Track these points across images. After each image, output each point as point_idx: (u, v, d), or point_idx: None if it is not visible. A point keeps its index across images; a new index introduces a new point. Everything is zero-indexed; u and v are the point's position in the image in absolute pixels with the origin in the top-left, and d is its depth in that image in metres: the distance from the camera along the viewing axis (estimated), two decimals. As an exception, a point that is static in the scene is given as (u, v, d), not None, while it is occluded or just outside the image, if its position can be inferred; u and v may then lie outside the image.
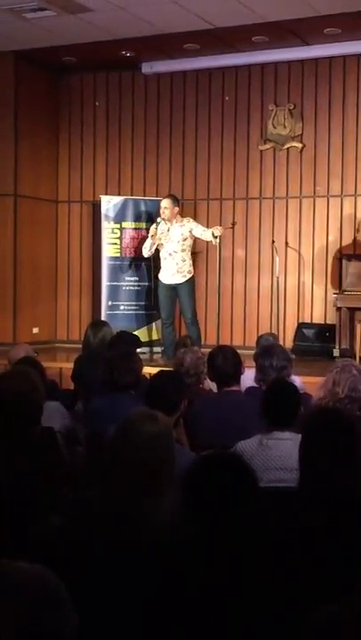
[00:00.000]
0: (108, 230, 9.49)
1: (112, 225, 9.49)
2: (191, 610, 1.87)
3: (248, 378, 4.82)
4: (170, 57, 9.74)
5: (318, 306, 9.52)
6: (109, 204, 9.53)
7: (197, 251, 9.77)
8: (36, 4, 7.94)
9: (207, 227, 8.69)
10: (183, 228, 8.46)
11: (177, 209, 8.55)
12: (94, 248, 10.34)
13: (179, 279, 8.46)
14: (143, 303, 9.44)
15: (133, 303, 9.47)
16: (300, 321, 9.50)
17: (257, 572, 1.93)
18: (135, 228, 9.46)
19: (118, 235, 9.48)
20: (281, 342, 7.12)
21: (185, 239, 8.47)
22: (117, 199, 9.63)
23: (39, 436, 3.04)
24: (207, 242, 8.73)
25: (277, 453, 3.41)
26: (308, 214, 9.62)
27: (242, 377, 4.59)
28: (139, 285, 9.47)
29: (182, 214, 9.08)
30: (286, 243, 9.61)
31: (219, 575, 1.91)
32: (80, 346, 6.60)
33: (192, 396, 4.36)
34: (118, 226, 9.49)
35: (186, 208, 9.76)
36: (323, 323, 9.36)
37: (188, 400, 3.98)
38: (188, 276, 8.51)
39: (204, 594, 1.89)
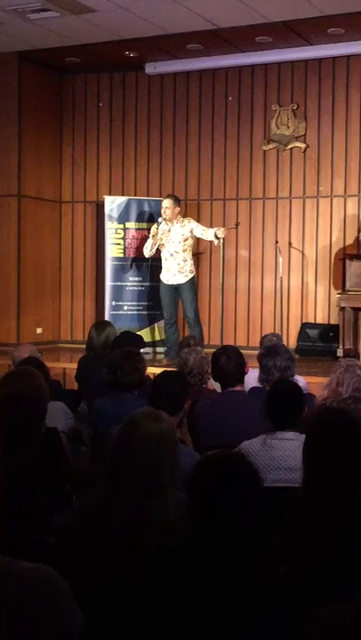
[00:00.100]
0: (111, 230, 9.49)
1: (115, 225, 9.50)
2: (195, 610, 1.88)
3: (252, 378, 4.82)
4: (173, 57, 9.74)
5: (322, 306, 9.52)
6: (113, 204, 9.54)
7: (201, 251, 9.78)
8: (39, 5, 7.95)
9: (210, 227, 8.69)
10: (184, 229, 8.46)
11: (178, 209, 8.55)
12: (98, 248, 10.35)
13: (181, 279, 8.46)
14: (146, 303, 9.45)
15: (137, 303, 9.47)
16: (304, 321, 9.50)
17: (261, 572, 1.94)
18: (139, 229, 9.46)
19: (122, 235, 9.49)
20: (285, 342, 7.11)
21: (186, 239, 8.48)
22: (121, 199, 9.63)
23: (44, 437, 3.04)
24: (210, 242, 8.72)
25: (281, 453, 3.41)
26: (312, 214, 9.61)
27: (245, 377, 4.60)
28: (142, 285, 9.47)
29: (186, 214, 9.09)
30: (290, 243, 9.61)
31: (223, 575, 1.91)
32: (84, 346, 6.61)
33: (196, 396, 4.37)
34: (122, 226, 9.50)
35: (189, 208, 9.77)
36: (326, 323, 9.36)
37: (192, 400, 3.98)
38: (190, 275, 8.51)
39: (208, 594, 1.89)
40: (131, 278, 9.48)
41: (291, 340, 9.10)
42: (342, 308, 8.55)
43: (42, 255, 10.33)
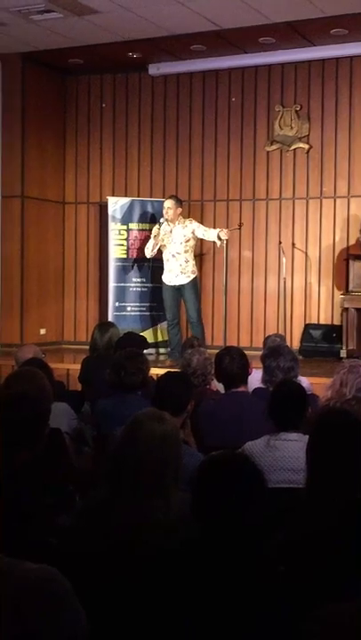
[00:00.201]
0: (114, 231, 9.50)
1: (119, 226, 9.51)
2: (199, 610, 1.88)
3: (255, 379, 4.82)
4: (177, 58, 9.75)
5: (325, 306, 9.52)
6: (116, 205, 9.54)
7: (204, 252, 9.78)
8: (43, 7, 7.96)
9: (214, 228, 8.69)
10: (186, 229, 8.47)
11: (180, 210, 8.55)
12: (101, 249, 10.36)
13: (183, 280, 8.46)
14: (149, 304, 9.45)
15: (140, 304, 9.48)
16: (307, 322, 9.49)
17: (261, 572, 1.94)
18: (142, 230, 9.47)
19: (125, 236, 9.50)
20: (288, 343, 7.11)
21: (188, 240, 8.48)
22: (124, 200, 9.64)
23: (47, 438, 3.05)
24: (213, 243, 8.72)
25: (285, 454, 3.41)
26: (315, 215, 9.61)
27: (249, 378, 4.60)
28: (145, 286, 9.48)
29: (189, 215, 9.10)
30: (293, 244, 9.61)
31: (224, 575, 1.91)
32: (87, 347, 6.61)
33: (199, 396, 4.37)
34: (125, 227, 9.50)
35: (192, 209, 9.77)
36: (330, 323, 9.35)
37: (196, 401, 3.98)
38: (192, 276, 8.51)
39: (209, 594, 1.89)
40: (134, 279, 9.48)
41: (294, 341, 9.09)
42: (345, 309, 8.55)
43: (45, 256, 10.34)
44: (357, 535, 2.23)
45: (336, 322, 9.19)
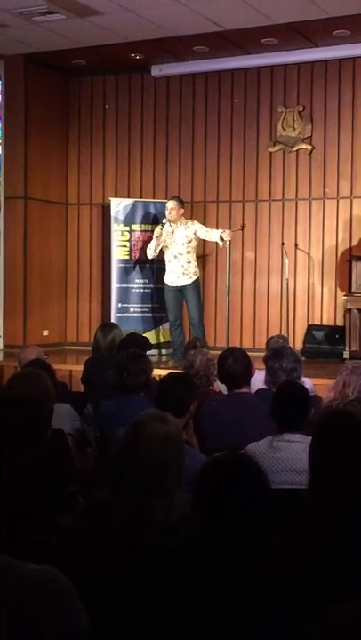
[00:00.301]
0: (117, 233, 9.50)
1: (121, 227, 9.51)
2: (201, 610, 1.88)
3: (258, 380, 4.82)
4: (179, 59, 9.75)
5: (328, 308, 9.51)
6: (119, 206, 9.55)
7: (207, 253, 9.78)
8: (45, 8, 7.97)
9: (216, 229, 8.68)
10: (188, 230, 8.47)
11: (182, 210, 8.55)
12: (104, 250, 10.36)
13: (185, 281, 8.46)
14: (152, 305, 9.45)
15: (143, 305, 9.48)
16: (310, 323, 9.48)
17: (261, 572, 1.93)
18: (144, 231, 9.47)
19: (128, 237, 9.50)
20: (291, 344, 7.11)
21: (190, 241, 8.48)
22: (127, 201, 9.64)
23: (50, 439, 3.05)
24: (215, 244, 8.71)
25: (288, 455, 3.41)
26: (318, 216, 9.61)
27: (252, 379, 4.60)
28: (148, 287, 9.47)
29: (192, 216, 9.10)
30: (296, 245, 9.60)
31: (225, 575, 1.91)
32: (90, 348, 6.62)
33: (202, 397, 4.37)
34: (128, 228, 9.50)
35: (195, 210, 9.77)
36: (332, 324, 9.35)
37: (198, 402, 3.98)
38: (194, 277, 8.51)
39: (209, 594, 1.89)
40: (136, 280, 9.48)
41: (297, 342, 9.09)
42: (348, 310, 8.54)
43: (48, 257, 10.34)
44: (358, 536, 2.23)
45: (339, 323, 9.19)
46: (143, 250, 9.21)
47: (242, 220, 9.69)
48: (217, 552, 1.95)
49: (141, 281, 9.48)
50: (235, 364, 4.46)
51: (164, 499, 2.31)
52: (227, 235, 8.38)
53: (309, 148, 9.62)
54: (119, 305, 9.44)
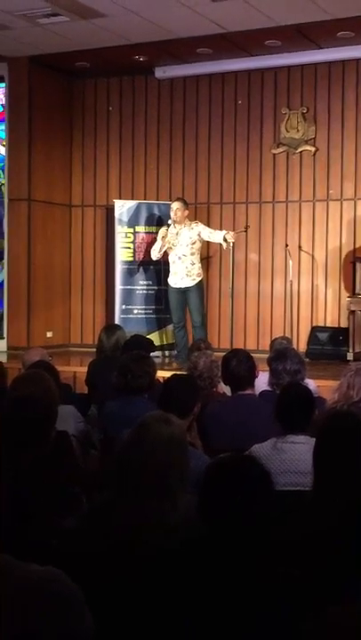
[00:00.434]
0: (121, 234, 9.51)
1: (125, 229, 9.52)
2: (202, 610, 1.88)
3: (262, 381, 4.82)
4: (183, 61, 9.76)
5: (332, 309, 9.51)
6: (123, 208, 9.55)
7: (211, 254, 9.78)
8: (49, 10, 7.98)
9: (220, 231, 8.68)
10: (192, 232, 8.48)
11: (187, 212, 8.57)
12: (108, 252, 10.37)
13: (188, 282, 8.46)
14: (156, 307, 9.45)
15: (146, 307, 9.48)
16: (314, 324, 9.48)
17: (265, 572, 1.94)
18: (148, 232, 9.47)
19: (132, 239, 9.50)
20: (295, 346, 7.11)
21: (194, 242, 8.48)
22: (131, 203, 9.65)
23: (54, 440, 3.05)
24: (219, 245, 8.72)
25: (292, 457, 3.41)
26: (322, 218, 9.60)
27: (256, 381, 4.59)
28: (152, 289, 9.48)
29: (195, 218, 9.10)
30: (299, 246, 9.60)
31: (229, 576, 1.91)
32: (94, 350, 6.61)
33: (205, 399, 4.36)
34: (131, 230, 9.51)
35: (199, 212, 9.77)
36: (336, 326, 9.34)
37: (202, 403, 3.98)
38: (198, 279, 8.51)
39: (210, 594, 1.89)
40: (140, 282, 9.49)
41: (301, 344, 9.08)
42: (352, 312, 8.53)
43: (52, 259, 10.35)
44: (358, 536, 2.23)
45: (343, 324, 9.17)
46: (147, 251, 9.21)
47: (246, 221, 9.68)
48: (220, 553, 1.95)
49: (145, 282, 9.49)
50: (239, 365, 4.46)
51: (167, 500, 2.31)
52: (230, 236, 8.38)
53: (313, 149, 9.62)
54: (123, 306, 9.44)
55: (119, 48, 9.16)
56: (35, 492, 2.65)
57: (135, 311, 9.46)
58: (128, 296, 9.46)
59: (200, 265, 8.61)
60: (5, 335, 10.14)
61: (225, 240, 8.37)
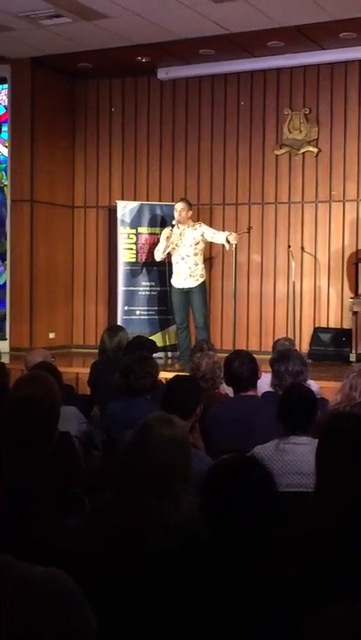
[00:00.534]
0: (123, 235, 9.51)
1: (128, 230, 9.52)
2: (202, 610, 1.88)
3: (264, 383, 4.82)
4: (185, 62, 9.76)
5: (334, 310, 9.50)
6: (125, 209, 9.56)
7: (213, 256, 9.78)
8: (52, 11, 7.99)
9: (223, 232, 8.69)
10: (195, 232, 8.48)
11: (190, 212, 8.58)
12: (110, 253, 10.37)
13: (191, 283, 8.47)
14: (158, 308, 9.45)
15: (149, 308, 9.48)
16: (317, 325, 9.47)
17: (265, 572, 1.93)
18: (151, 233, 9.47)
19: (134, 240, 9.51)
20: (297, 347, 7.10)
21: (197, 243, 8.49)
22: (133, 204, 9.65)
23: (56, 441, 3.05)
24: (222, 246, 8.73)
25: (294, 458, 3.41)
26: (324, 219, 9.60)
27: (258, 382, 4.59)
28: (154, 290, 9.48)
29: (198, 219, 9.11)
30: (302, 247, 9.60)
31: (230, 576, 1.91)
32: (96, 351, 6.61)
33: (208, 400, 4.37)
34: (134, 231, 9.51)
35: (201, 213, 9.78)
36: (339, 327, 9.33)
37: (204, 405, 3.98)
38: (201, 279, 8.52)
39: (210, 594, 1.89)
40: (143, 283, 9.49)
41: (303, 345, 9.07)
42: (355, 313, 8.53)
43: (54, 260, 10.36)
44: (359, 536, 2.23)
45: (346, 326, 9.17)
46: (150, 252, 9.22)
47: (248, 222, 9.68)
48: (222, 553, 1.95)
49: (148, 284, 9.49)
50: (241, 366, 4.46)
51: (168, 500, 2.31)
52: (233, 237, 8.39)
53: (316, 150, 9.62)
54: (125, 308, 9.44)
55: (122, 49, 9.17)
56: (36, 492, 2.65)
57: (138, 312, 9.47)
58: (130, 297, 9.47)
59: (203, 266, 8.61)
60: (8, 336, 10.15)
61: (227, 241, 8.38)
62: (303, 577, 1.94)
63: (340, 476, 2.49)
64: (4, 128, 10.48)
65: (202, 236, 8.49)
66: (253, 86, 9.87)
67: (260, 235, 9.80)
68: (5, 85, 10.35)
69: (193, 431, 3.71)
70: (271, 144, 9.83)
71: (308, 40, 8.85)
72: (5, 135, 10.43)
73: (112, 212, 10.09)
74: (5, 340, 10.07)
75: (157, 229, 9.34)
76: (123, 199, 10.02)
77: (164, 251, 8.56)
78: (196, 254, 8.48)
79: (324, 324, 9.48)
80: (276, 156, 9.81)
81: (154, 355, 5.62)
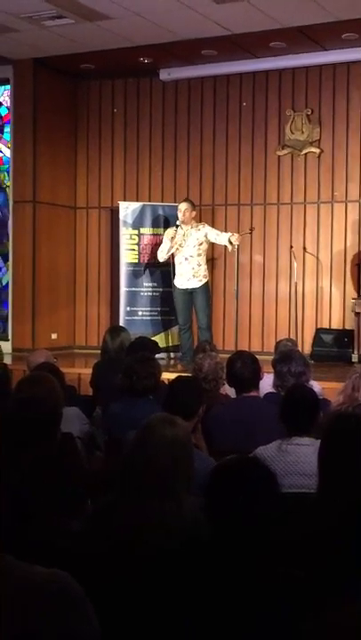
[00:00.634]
0: (126, 236, 9.51)
1: (130, 231, 9.52)
2: (202, 610, 1.88)
3: (266, 383, 4.82)
4: (187, 63, 9.77)
5: (337, 311, 9.50)
6: (127, 209, 9.56)
7: (215, 256, 9.78)
8: (54, 12, 7.99)
9: (225, 232, 8.69)
10: (199, 233, 8.48)
11: (194, 213, 8.59)
12: (112, 254, 10.37)
13: (195, 283, 8.47)
14: (161, 309, 9.45)
15: (151, 309, 9.48)
16: (319, 326, 9.47)
17: (265, 572, 1.94)
18: (153, 234, 9.47)
19: (136, 240, 9.50)
20: (299, 348, 7.09)
21: (201, 244, 8.49)
22: (135, 205, 9.65)
23: (59, 442, 3.06)
24: (225, 247, 8.73)
25: (296, 459, 3.41)
26: (327, 219, 9.59)
27: (260, 382, 4.59)
28: (156, 291, 9.48)
29: (200, 220, 9.11)
30: (304, 248, 9.59)
31: (231, 576, 1.91)
32: (98, 351, 6.62)
33: (210, 401, 4.37)
34: (136, 232, 9.51)
35: (204, 213, 9.77)
36: (341, 328, 9.33)
37: (207, 405, 3.98)
38: (204, 280, 8.52)
39: (215, 595, 1.89)
40: (145, 284, 9.49)
41: (305, 346, 9.07)
42: (357, 314, 8.52)
43: (56, 261, 10.36)
44: (359, 536, 2.23)
45: (348, 326, 9.17)
46: (152, 253, 9.22)
47: (250, 223, 9.68)
48: (223, 553, 1.95)
49: (150, 284, 9.48)
50: (244, 367, 4.46)
51: (169, 500, 2.31)
52: (235, 238, 8.39)
53: (318, 151, 9.62)
54: (128, 308, 9.44)
55: (124, 50, 9.18)
56: (38, 493, 2.65)
57: (140, 313, 9.47)
58: (133, 298, 9.46)
59: (206, 266, 8.61)
60: (10, 337, 10.16)
61: (230, 242, 8.37)
62: (304, 577, 1.95)
63: (343, 476, 2.49)
64: (7, 129, 10.49)
65: (205, 236, 8.49)
66: (256, 87, 9.87)
67: (262, 235, 9.80)
68: (8, 86, 10.36)
69: (195, 432, 3.71)
70: (273, 145, 9.83)
71: (310, 41, 8.84)
72: (8, 136, 10.45)
73: (114, 212, 10.09)
74: (8, 340, 10.07)
75: (160, 230, 9.34)
76: (125, 200, 10.02)
77: (168, 251, 8.55)
78: (199, 255, 8.48)
79: (326, 325, 9.47)
80: (279, 156, 9.81)
81: (156, 355, 5.62)
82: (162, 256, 8.65)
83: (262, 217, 9.85)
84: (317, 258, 9.58)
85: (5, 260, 10.48)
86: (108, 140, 10.60)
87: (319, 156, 9.63)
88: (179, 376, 4.14)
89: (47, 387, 3.11)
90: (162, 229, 9.27)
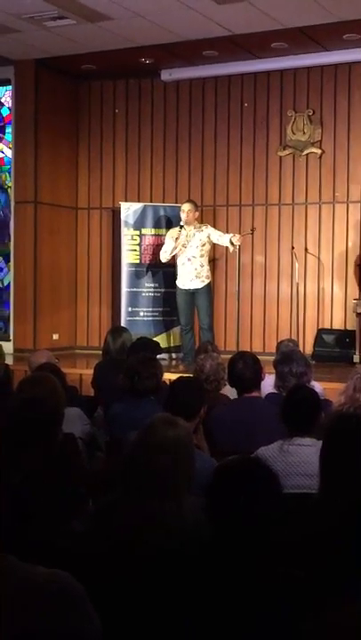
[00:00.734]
0: (127, 237, 9.51)
1: (131, 231, 9.52)
2: (202, 610, 1.88)
3: (268, 384, 4.82)
4: (189, 64, 9.77)
5: (338, 312, 9.49)
6: (129, 210, 9.56)
7: (217, 257, 9.78)
8: (56, 13, 8.00)
9: (226, 233, 8.69)
10: (202, 234, 8.48)
11: (197, 213, 8.59)
12: (114, 254, 10.38)
13: (197, 284, 8.47)
14: (162, 309, 9.44)
15: (153, 309, 9.47)
16: (320, 327, 9.47)
17: (271, 573, 1.94)
18: (155, 235, 9.47)
19: (138, 241, 9.50)
20: (301, 348, 7.10)
21: (203, 244, 8.49)
22: (137, 205, 9.65)
23: (60, 442, 3.06)
24: (226, 248, 8.73)
25: (298, 459, 3.41)
26: (328, 220, 9.59)
27: (262, 383, 4.59)
28: (158, 291, 9.48)
29: (202, 220, 9.10)
30: (306, 249, 9.59)
31: (231, 576, 1.91)
32: (100, 352, 6.62)
33: (212, 401, 4.37)
34: (138, 232, 9.51)
35: (205, 214, 9.77)
36: (343, 329, 9.33)
37: (208, 406, 3.98)
38: (207, 281, 8.52)
39: (215, 595, 1.89)
40: (147, 284, 9.48)
41: (307, 346, 9.07)
42: (359, 314, 8.51)
43: (58, 261, 10.36)
44: (359, 537, 2.23)
45: (349, 327, 9.16)
46: (154, 254, 9.22)
47: (252, 223, 9.68)
48: (223, 553, 1.95)
49: (152, 285, 9.48)
50: (245, 368, 4.46)
51: (169, 501, 2.31)
52: (237, 239, 8.39)
53: (319, 151, 9.62)
54: (129, 309, 9.44)
55: (125, 51, 9.18)
56: (40, 493, 2.66)
57: (141, 313, 9.46)
58: (134, 298, 9.46)
59: (209, 267, 8.61)
60: (12, 337, 10.16)
61: (231, 243, 8.37)
62: (304, 577, 1.95)
63: (344, 477, 2.49)
64: (8, 129, 10.50)
65: (208, 237, 8.49)
66: (257, 88, 9.87)
67: (263, 236, 9.80)
68: (9, 87, 10.37)
69: (197, 432, 3.71)
70: (275, 145, 9.83)
71: (311, 41, 8.84)
72: (9, 137, 10.46)
73: (116, 213, 10.09)
74: (9, 341, 10.07)
75: (161, 230, 9.34)
76: (126, 200, 10.02)
77: (172, 252, 8.54)
78: (202, 255, 8.48)
79: (327, 326, 9.47)
80: (280, 157, 9.81)
81: (158, 356, 5.62)
82: (165, 257, 8.64)
83: (264, 217, 9.84)
84: (319, 258, 9.58)
85: (7, 260, 10.49)
86: (109, 141, 10.61)
87: (321, 157, 9.62)
88: (180, 377, 4.14)
89: (48, 387, 3.11)
90: (163, 230, 9.27)
